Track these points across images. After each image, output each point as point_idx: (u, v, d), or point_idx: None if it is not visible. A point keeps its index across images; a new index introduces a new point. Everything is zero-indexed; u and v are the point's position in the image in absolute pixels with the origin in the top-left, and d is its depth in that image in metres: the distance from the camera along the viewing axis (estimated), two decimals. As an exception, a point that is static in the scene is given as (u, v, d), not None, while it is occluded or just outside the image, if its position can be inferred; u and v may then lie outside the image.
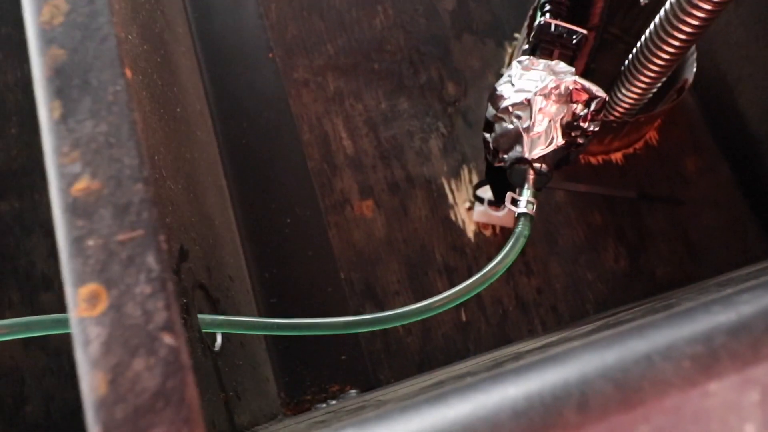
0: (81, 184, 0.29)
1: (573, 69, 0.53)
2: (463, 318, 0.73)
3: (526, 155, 0.51)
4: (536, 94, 0.51)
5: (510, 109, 0.52)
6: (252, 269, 0.75)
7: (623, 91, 0.69)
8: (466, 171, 0.79)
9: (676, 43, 0.60)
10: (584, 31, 0.56)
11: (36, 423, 0.74)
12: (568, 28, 0.57)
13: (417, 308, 0.47)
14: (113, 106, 0.30)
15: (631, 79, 0.67)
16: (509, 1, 0.88)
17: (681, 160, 0.79)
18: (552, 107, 0.50)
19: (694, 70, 0.71)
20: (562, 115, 0.51)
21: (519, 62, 0.55)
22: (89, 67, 0.31)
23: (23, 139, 0.82)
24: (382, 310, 0.72)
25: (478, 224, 0.76)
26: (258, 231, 0.77)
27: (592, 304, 0.72)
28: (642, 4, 0.78)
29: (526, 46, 0.61)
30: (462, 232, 0.76)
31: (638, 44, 0.65)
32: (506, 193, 0.54)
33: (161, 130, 0.53)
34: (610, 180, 0.78)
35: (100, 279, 0.28)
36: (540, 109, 0.50)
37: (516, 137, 0.52)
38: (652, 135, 0.80)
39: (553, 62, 0.54)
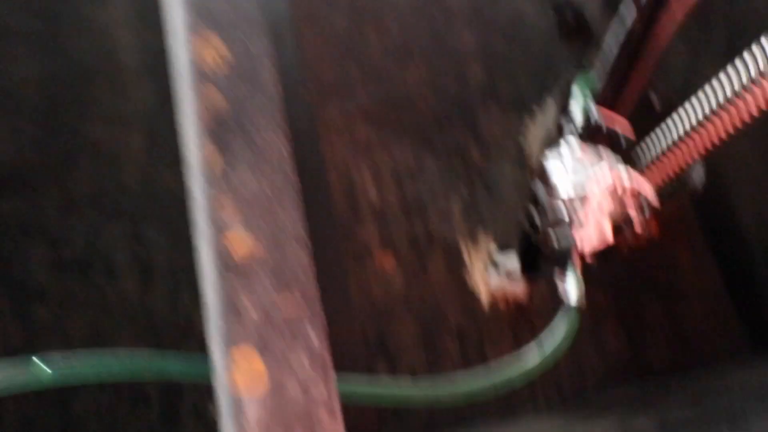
0: (237, 239, 0.29)
1: (626, 168, 0.57)
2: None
3: (579, 248, 0.54)
4: (594, 192, 0.54)
5: (567, 202, 0.55)
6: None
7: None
8: (483, 236, 0.82)
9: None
10: (633, 138, 0.61)
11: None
12: (618, 133, 0.61)
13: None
14: (276, 165, 0.30)
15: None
16: (532, 75, 0.93)
17: (676, 253, 0.85)
18: (608, 207, 0.54)
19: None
20: (617, 216, 0.54)
21: (569, 147, 0.58)
22: (251, 121, 0.31)
23: (36, 136, 0.77)
24: (394, 364, 0.72)
25: (492, 293, 0.78)
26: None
27: (592, 381, 0.76)
28: (657, 111, 0.86)
29: (570, 134, 0.65)
30: (476, 298, 0.78)
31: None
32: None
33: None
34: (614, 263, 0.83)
35: (256, 344, 0.27)
36: (598, 208, 0.54)
37: (570, 229, 0.55)
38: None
39: (606, 156, 0.58)
